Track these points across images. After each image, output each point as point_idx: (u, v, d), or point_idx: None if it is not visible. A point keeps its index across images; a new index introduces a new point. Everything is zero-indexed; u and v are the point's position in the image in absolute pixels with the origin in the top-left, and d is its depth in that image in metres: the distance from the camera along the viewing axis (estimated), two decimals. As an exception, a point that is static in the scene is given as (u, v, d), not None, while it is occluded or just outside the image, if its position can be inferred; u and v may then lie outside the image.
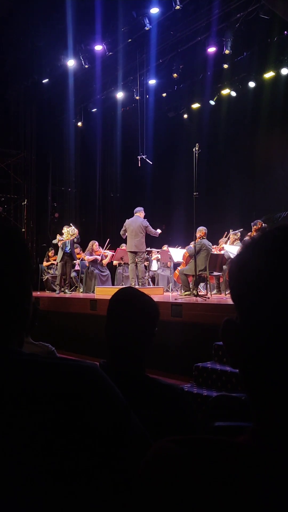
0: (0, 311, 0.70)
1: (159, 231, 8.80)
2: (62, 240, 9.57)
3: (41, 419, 0.60)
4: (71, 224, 9.80)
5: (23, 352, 0.69)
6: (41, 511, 0.58)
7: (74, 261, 10.09)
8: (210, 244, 8.08)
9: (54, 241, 10.03)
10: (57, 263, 9.94)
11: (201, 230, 7.95)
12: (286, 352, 0.48)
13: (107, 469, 0.62)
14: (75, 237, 9.67)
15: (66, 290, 9.85)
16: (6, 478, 0.58)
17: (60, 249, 9.77)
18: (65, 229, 9.66)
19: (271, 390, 0.50)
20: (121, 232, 8.66)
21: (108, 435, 0.63)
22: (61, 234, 9.80)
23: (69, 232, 9.53)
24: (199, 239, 7.82)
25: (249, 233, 8.57)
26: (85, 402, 0.63)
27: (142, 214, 8.66)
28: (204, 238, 7.95)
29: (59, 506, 0.59)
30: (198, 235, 7.86)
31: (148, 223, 8.53)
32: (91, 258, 10.12)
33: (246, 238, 8.34)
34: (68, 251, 9.61)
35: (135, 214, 8.65)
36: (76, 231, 9.67)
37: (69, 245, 9.57)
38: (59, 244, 9.75)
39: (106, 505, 0.62)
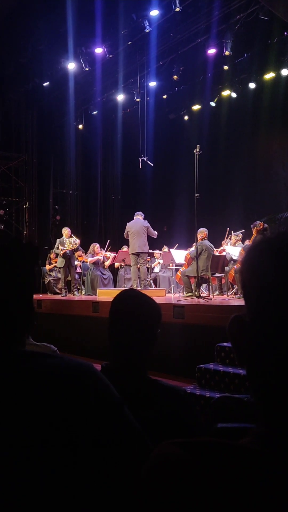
0: (9, 317, 0.72)
1: (156, 232, 8.88)
2: (65, 250, 9.64)
3: (39, 417, 0.62)
4: (72, 235, 9.80)
5: (25, 351, 0.71)
6: (39, 507, 0.59)
7: (76, 263, 10.14)
8: (212, 245, 8.07)
9: (57, 251, 10.06)
10: (59, 268, 9.97)
11: (202, 232, 7.95)
12: None
13: (100, 464, 0.63)
14: (77, 247, 9.76)
15: (76, 292, 9.88)
16: (7, 474, 0.59)
17: (61, 256, 9.81)
18: (68, 240, 9.69)
19: (277, 390, 0.49)
20: (125, 235, 8.79)
21: (101, 429, 0.65)
22: (61, 238, 9.81)
23: (71, 242, 9.61)
24: (200, 241, 7.82)
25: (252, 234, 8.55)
26: (79, 398, 0.65)
27: (142, 216, 8.79)
28: (206, 240, 7.94)
29: (57, 502, 0.60)
30: (199, 236, 7.85)
31: (148, 224, 8.61)
32: (94, 259, 10.18)
33: (247, 241, 8.33)
34: (69, 254, 9.65)
35: (135, 217, 8.75)
36: (77, 241, 9.70)
37: (69, 251, 9.62)
38: (61, 253, 9.81)
39: (101, 499, 0.63)
